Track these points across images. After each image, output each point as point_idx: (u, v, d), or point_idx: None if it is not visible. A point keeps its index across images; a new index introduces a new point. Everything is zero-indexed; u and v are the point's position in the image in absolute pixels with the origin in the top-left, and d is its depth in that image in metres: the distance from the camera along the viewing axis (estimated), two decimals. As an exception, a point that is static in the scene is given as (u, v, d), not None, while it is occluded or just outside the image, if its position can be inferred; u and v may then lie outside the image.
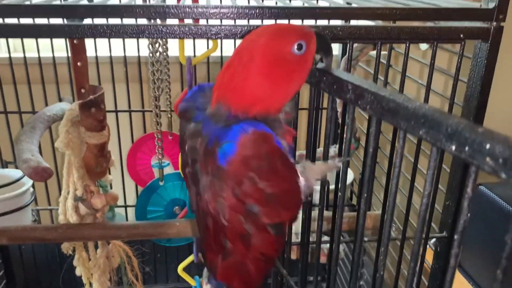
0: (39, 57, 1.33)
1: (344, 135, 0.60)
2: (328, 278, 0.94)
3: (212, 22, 0.89)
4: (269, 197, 0.55)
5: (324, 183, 0.67)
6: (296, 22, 0.71)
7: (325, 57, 0.60)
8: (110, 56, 1.36)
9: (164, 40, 1.18)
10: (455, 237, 0.39)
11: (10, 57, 1.30)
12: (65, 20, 0.65)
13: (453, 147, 0.37)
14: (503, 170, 0.32)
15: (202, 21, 0.78)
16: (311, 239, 0.82)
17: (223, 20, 0.77)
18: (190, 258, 1.07)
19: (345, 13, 0.71)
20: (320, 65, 0.60)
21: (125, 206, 1.44)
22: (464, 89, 0.81)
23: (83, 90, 1.05)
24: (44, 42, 1.39)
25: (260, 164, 0.54)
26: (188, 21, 0.69)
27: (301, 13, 0.69)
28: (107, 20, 0.68)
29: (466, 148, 0.35)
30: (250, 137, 0.54)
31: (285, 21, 0.69)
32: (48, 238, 1.03)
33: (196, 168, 0.60)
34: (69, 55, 1.11)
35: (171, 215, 1.19)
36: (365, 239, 0.90)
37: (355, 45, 0.97)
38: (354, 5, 0.75)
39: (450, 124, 0.37)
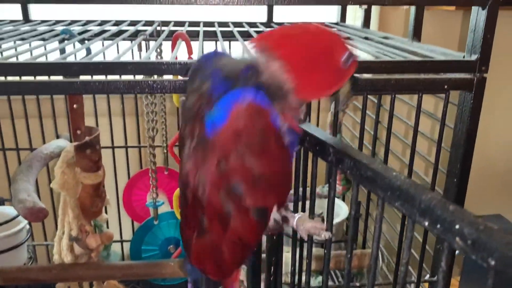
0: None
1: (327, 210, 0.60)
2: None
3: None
4: (256, 178, 0.52)
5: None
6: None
7: (351, 92, 0.60)
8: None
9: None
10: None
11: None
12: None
13: (426, 223, 0.38)
14: (471, 251, 0.34)
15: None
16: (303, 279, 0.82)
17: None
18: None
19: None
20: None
21: (121, 241, 1.45)
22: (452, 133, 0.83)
23: (79, 132, 1.06)
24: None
25: (251, 141, 0.51)
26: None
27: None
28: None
29: (438, 226, 0.37)
30: (244, 109, 0.50)
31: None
32: (43, 279, 1.04)
33: (185, 132, 0.57)
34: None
35: (166, 253, 1.20)
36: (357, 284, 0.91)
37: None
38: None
39: (423, 200, 0.38)
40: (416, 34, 0.94)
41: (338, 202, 1.11)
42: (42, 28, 1.15)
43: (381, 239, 0.49)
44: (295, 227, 0.62)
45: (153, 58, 1.21)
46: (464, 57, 0.76)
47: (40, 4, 1.28)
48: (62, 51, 0.95)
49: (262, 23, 1.35)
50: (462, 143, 0.78)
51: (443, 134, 0.80)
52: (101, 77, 0.68)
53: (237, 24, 1.32)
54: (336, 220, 1.05)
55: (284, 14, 1.43)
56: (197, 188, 0.54)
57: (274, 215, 0.60)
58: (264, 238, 0.72)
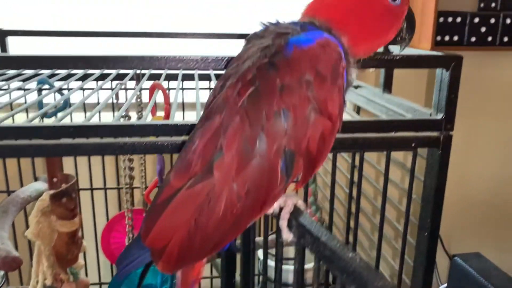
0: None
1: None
2: None
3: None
4: (313, 106, 0.53)
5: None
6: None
7: (409, 32, 0.65)
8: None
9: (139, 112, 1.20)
10: None
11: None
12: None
13: (378, 311, 0.39)
14: None
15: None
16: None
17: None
18: None
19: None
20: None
21: (100, 283, 1.43)
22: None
23: (55, 179, 1.06)
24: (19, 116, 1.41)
25: (325, 67, 0.54)
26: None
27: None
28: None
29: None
30: (330, 43, 0.56)
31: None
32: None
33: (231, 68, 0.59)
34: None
35: (143, 300, 1.18)
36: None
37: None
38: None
39: (375, 287, 0.39)
40: (387, 86, 0.97)
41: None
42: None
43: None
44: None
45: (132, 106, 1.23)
46: (430, 114, 0.78)
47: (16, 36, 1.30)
48: (40, 104, 0.95)
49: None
50: (431, 198, 0.80)
51: (414, 185, 0.82)
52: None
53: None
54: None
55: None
56: (235, 109, 0.52)
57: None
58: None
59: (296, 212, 0.54)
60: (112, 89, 1.15)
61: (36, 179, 1.32)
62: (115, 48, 1.79)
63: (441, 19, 2.01)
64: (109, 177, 1.42)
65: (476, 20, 2.02)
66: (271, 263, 0.72)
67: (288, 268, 0.96)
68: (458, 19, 2.01)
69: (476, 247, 2.39)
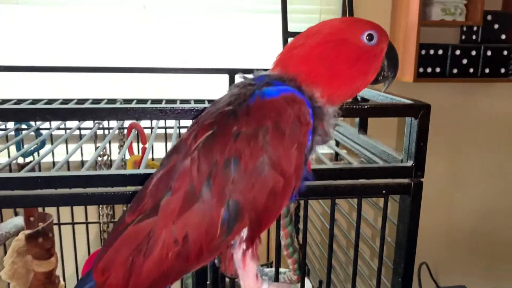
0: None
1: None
2: None
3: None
4: (265, 160, 0.52)
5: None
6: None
7: (391, 70, 0.64)
8: (68, 162, 1.38)
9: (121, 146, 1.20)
10: None
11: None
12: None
13: None
14: None
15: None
16: None
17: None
18: None
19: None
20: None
21: (79, 320, 1.41)
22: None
23: (31, 218, 1.05)
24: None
25: (284, 122, 0.53)
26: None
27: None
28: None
29: None
30: (295, 98, 0.55)
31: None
32: None
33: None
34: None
35: None
36: None
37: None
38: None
39: None
40: (362, 127, 0.98)
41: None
42: None
43: None
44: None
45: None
46: (402, 161, 0.78)
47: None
48: (18, 145, 0.95)
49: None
50: (404, 243, 0.80)
51: (386, 227, 0.82)
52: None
53: (198, 101, 1.35)
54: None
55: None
56: (192, 148, 0.53)
57: (237, 254, 0.57)
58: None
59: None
60: (91, 128, 1.15)
61: (16, 213, 1.31)
62: (103, 82, 1.80)
63: (423, 52, 2.04)
64: (90, 211, 1.41)
65: (458, 52, 2.06)
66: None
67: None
68: (440, 51, 2.05)
69: (463, 276, 2.39)
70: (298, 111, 0.55)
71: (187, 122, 1.35)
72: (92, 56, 1.94)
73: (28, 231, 1.00)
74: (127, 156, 1.10)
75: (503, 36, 2.14)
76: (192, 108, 0.67)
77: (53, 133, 1.07)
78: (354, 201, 0.89)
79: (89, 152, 1.48)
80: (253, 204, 0.53)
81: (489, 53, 2.08)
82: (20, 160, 1.21)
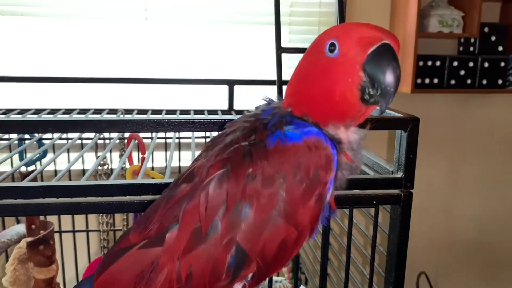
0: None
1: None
2: None
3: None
4: (280, 209, 0.49)
5: None
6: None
7: (377, 87, 0.51)
8: (69, 171, 1.41)
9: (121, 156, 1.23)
10: None
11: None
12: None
13: None
14: None
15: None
16: None
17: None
18: None
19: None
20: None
21: (79, 327, 1.42)
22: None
23: (33, 226, 1.08)
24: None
25: (305, 177, 0.49)
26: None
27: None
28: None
29: None
30: (319, 144, 0.51)
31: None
32: None
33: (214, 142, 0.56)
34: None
35: None
36: None
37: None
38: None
39: None
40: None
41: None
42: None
43: None
44: None
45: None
46: (392, 172, 0.80)
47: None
48: (21, 155, 0.98)
49: (222, 111, 1.41)
50: (395, 253, 0.81)
51: (379, 236, 0.84)
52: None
53: (198, 112, 1.37)
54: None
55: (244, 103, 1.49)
56: (200, 186, 0.50)
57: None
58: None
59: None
60: (92, 138, 1.18)
61: (18, 221, 1.33)
62: (105, 92, 1.83)
63: (421, 63, 2.06)
64: (91, 220, 1.43)
65: (455, 63, 2.08)
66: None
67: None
68: (438, 63, 2.07)
69: (462, 286, 2.39)
70: (321, 160, 0.51)
71: (186, 132, 1.38)
72: (94, 67, 1.97)
73: (29, 239, 1.03)
74: (127, 165, 1.12)
75: (500, 48, 2.17)
76: (188, 121, 0.70)
77: (55, 142, 1.10)
78: (347, 209, 0.91)
79: (90, 160, 1.51)
80: (262, 253, 0.50)
81: (486, 64, 2.11)
82: (23, 169, 1.24)
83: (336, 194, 0.70)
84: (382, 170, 0.84)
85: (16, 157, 1.26)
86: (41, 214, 0.68)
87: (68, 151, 1.35)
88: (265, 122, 0.54)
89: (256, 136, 0.53)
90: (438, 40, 2.21)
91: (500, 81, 2.14)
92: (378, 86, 0.51)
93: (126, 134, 1.22)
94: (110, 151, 1.22)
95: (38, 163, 1.19)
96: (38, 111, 1.29)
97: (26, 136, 1.10)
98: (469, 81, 2.11)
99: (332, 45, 0.53)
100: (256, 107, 0.61)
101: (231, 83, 1.43)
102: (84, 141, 1.33)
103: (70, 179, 1.42)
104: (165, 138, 1.39)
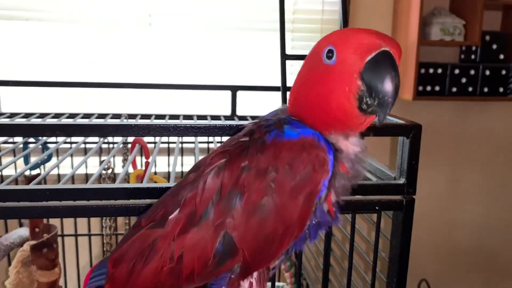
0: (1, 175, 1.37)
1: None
2: None
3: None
4: (269, 200, 0.50)
5: None
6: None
7: (374, 97, 0.50)
8: (73, 175, 1.41)
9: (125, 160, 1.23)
10: None
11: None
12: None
13: None
14: None
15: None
16: None
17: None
18: None
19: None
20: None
21: (80, 331, 1.43)
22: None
23: (37, 229, 1.08)
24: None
25: (298, 166, 0.50)
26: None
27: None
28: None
29: None
30: (315, 143, 0.52)
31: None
32: None
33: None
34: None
35: None
36: None
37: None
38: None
39: None
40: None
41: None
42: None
43: None
44: None
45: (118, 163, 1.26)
46: (395, 178, 0.81)
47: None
48: (26, 158, 0.99)
49: (225, 116, 1.42)
50: (397, 259, 0.82)
51: (382, 242, 0.84)
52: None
53: (201, 117, 1.38)
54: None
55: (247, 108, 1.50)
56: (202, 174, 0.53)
57: None
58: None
59: None
60: (96, 142, 1.19)
61: (21, 224, 1.34)
62: (109, 97, 1.85)
63: (423, 70, 2.07)
64: (93, 224, 1.44)
65: (457, 71, 2.09)
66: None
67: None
68: (439, 70, 2.08)
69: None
70: (315, 158, 0.51)
71: (190, 137, 1.38)
72: (98, 72, 1.98)
73: (33, 242, 1.03)
74: (131, 170, 1.13)
75: (502, 56, 2.18)
76: (193, 126, 0.71)
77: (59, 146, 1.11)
78: (349, 214, 0.92)
79: (93, 165, 1.51)
80: (248, 244, 0.51)
81: (487, 72, 2.12)
82: (27, 173, 1.25)
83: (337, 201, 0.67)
84: (385, 176, 0.85)
85: (20, 161, 1.27)
86: (46, 217, 0.68)
87: (71, 155, 1.35)
88: (267, 123, 0.57)
89: (256, 133, 0.55)
90: (440, 48, 2.23)
91: (501, 89, 2.15)
92: (375, 96, 0.50)
93: (130, 139, 1.22)
94: (114, 156, 1.22)
95: (42, 167, 1.20)
96: (42, 115, 1.30)
97: (31, 140, 1.11)
98: (470, 89, 2.12)
99: (330, 51, 0.52)
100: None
101: (234, 89, 1.44)
102: (88, 145, 1.34)
103: (73, 183, 1.43)
104: (168, 143, 1.40)
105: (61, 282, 1.10)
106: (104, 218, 1.24)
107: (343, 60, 0.51)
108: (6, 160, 1.14)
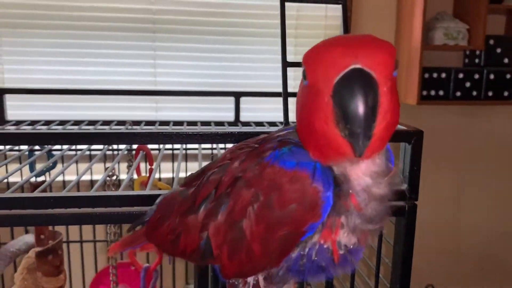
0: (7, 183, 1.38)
1: None
2: None
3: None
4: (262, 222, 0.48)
5: None
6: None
7: (348, 123, 0.42)
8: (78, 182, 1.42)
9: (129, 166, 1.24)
10: None
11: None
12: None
13: None
14: None
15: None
16: None
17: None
18: None
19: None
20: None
21: (86, 337, 1.43)
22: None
23: (42, 236, 1.09)
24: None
25: (281, 207, 0.46)
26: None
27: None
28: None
29: None
30: (307, 181, 0.45)
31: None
32: None
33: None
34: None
35: None
36: None
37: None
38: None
39: None
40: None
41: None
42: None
43: None
44: None
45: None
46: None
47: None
48: (31, 165, 0.99)
49: (229, 122, 1.43)
50: (400, 264, 0.82)
51: (385, 248, 0.85)
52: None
53: (205, 123, 1.39)
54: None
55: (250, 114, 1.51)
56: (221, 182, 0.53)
57: None
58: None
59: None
60: (100, 149, 1.19)
61: (26, 231, 1.35)
62: (113, 104, 1.86)
63: (427, 75, 2.07)
64: (98, 230, 1.45)
65: (461, 75, 2.09)
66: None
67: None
68: (443, 75, 2.08)
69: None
70: (302, 198, 0.46)
71: (193, 144, 1.39)
72: (102, 79, 1.99)
73: (38, 249, 1.04)
74: (135, 177, 1.14)
75: (506, 60, 2.18)
76: (196, 133, 0.71)
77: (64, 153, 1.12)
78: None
79: (97, 171, 1.52)
80: (224, 254, 0.51)
81: (492, 76, 2.11)
82: (32, 179, 1.26)
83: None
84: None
85: (25, 168, 1.28)
86: (51, 224, 0.69)
87: (76, 161, 1.36)
88: (276, 138, 0.53)
89: (261, 146, 0.53)
90: (444, 52, 2.23)
91: (506, 93, 2.15)
92: (346, 123, 0.42)
93: (134, 145, 1.23)
94: (118, 162, 1.23)
95: (47, 173, 1.21)
96: (47, 123, 1.31)
97: (36, 147, 1.12)
98: (474, 93, 2.11)
99: (304, 71, 0.46)
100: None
101: (237, 95, 1.44)
102: (92, 152, 1.35)
103: (78, 190, 1.44)
104: (172, 149, 1.41)
105: (66, 288, 1.11)
106: (109, 225, 1.24)
107: (314, 82, 0.45)
108: (12, 167, 1.15)
